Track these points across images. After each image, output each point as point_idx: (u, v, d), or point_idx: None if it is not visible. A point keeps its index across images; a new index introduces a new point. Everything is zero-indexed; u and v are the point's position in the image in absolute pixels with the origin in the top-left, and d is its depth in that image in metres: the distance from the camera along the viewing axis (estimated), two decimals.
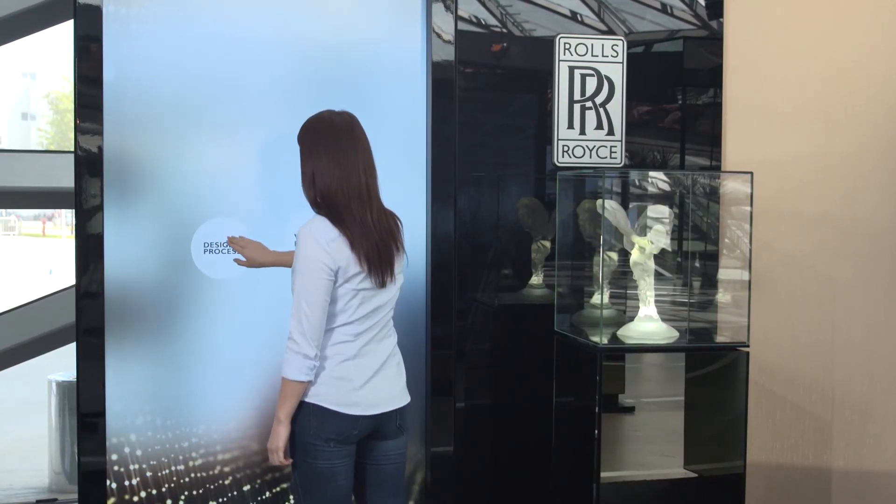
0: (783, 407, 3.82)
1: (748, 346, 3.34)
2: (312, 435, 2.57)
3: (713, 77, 3.86)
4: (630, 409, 4.12)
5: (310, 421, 2.57)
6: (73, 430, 5.58)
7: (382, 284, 2.59)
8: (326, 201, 2.56)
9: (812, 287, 3.75)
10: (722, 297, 3.57)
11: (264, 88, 3.18)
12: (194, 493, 3.18)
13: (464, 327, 3.65)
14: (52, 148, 43.43)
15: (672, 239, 3.43)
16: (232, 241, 2.98)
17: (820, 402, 3.76)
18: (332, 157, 2.56)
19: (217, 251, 3.15)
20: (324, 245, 2.50)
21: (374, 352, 2.63)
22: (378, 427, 2.65)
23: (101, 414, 3.09)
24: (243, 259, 2.97)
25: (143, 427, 3.13)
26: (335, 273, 2.52)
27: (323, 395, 2.57)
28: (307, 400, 2.58)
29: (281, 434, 2.57)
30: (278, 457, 2.59)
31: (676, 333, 3.35)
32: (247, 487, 3.22)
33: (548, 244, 3.73)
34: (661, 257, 3.39)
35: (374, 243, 2.55)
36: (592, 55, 3.67)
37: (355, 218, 2.53)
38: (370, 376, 2.61)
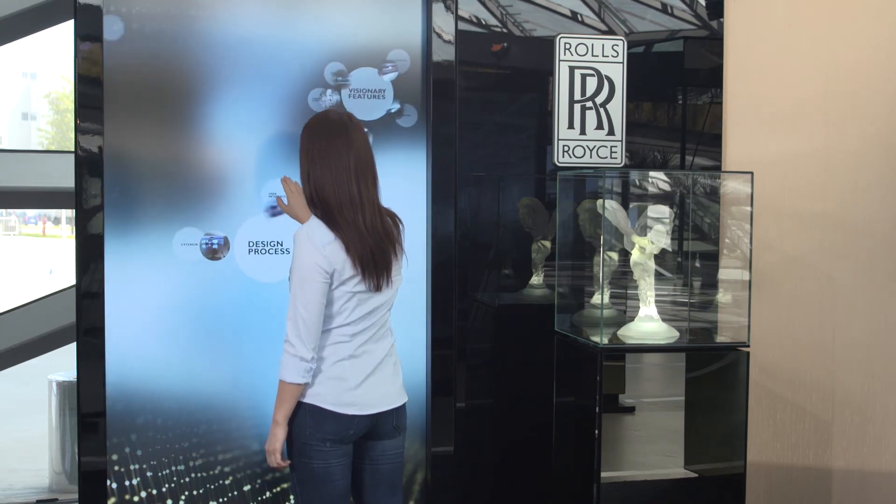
0: (783, 407, 3.82)
1: (748, 346, 3.34)
2: (309, 435, 2.57)
3: (713, 77, 3.87)
4: (630, 409, 4.12)
5: (306, 421, 2.58)
6: (73, 430, 5.59)
7: (377, 288, 2.59)
8: (320, 203, 2.57)
9: (812, 287, 3.75)
10: (722, 297, 3.57)
11: (265, 87, 3.18)
12: (194, 493, 3.18)
13: (464, 327, 3.65)
14: (53, 148, 43.46)
15: (672, 239, 3.43)
16: (286, 181, 2.92)
17: (820, 402, 3.76)
18: (324, 161, 2.56)
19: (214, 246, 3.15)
20: (319, 248, 2.51)
21: (371, 352, 2.63)
22: (374, 427, 2.65)
23: (102, 414, 3.09)
24: (285, 202, 2.93)
25: (143, 427, 3.13)
26: (330, 276, 2.52)
27: (319, 396, 2.57)
28: (303, 400, 2.58)
29: (278, 436, 2.58)
30: (276, 458, 2.60)
31: (677, 333, 3.35)
32: (247, 487, 3.22)
33: (548, 244, 3.74)
34: (661, 257, 3.39)
35: (369, 248, 2.55)
36: (593, 55, 3.67)
37: (348, 222, 2.54)
38: (366, 376, 2.61)
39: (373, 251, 2.55)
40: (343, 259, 2.52)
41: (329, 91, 3.17)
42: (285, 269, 2.73)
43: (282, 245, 3.17)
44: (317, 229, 2.55)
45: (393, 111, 3.07)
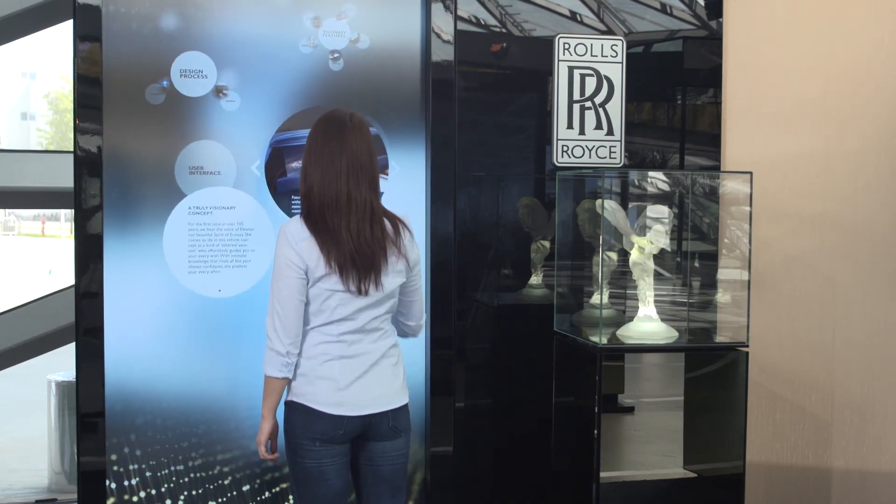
0: (783, 407, 3.82)
1: (748, 346, 3.34)
2: (299, 434, 2.58)
3: (713, 77, 3.87)
4: (630, 409, 4.12)
5: (296, 420, 2.59)
6: (72, 430, 5.58)
7: (361, 291, 2.57)
8: (307, 201, 2.58)
9: (812, 287, 3.75)
10: (721, 296, 3.57)
11: (265, 88, 3.18)
12: (194, 493, 3.18)
13: (464, 327, 3.65)
14: (52, 148, 43.45)
15: (672, 239, 3.43)
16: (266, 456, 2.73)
17: (820, 403, 3.76)
18: (317, 161, 2.57)
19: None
20: (293, 244, 2.53)
21: (366, 353, 2.62)
22: (369, 428, 2.64)
23: (101, 414, 3.09)
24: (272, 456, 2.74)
25: (142, 427, 3.13)
26: (305, 272, 2.53)
27: (309, 395, 2.58)
28: (294, 399, 2.60)
29: (264, 428, 2.63)
30: (262, 451, 2.65)
31: (676, 333, 3.35)
32: (246, 487, 3.22)
33: (547, 244, 3.74)
34: (660, 257, 3.39)
35: (347, 251, 2.53)
36: (592, 55, 3.67)
37: (328, 226, 2.54)
38: (357, 377, 2.61)
39: (352, 255, 2.53)
40: (316, 256, 2.52)
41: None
42: None
43: None
44: (293, 226, 2.57)
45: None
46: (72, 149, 3.11)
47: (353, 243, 2.54)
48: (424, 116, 3.31)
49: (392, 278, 2.63)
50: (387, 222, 2.63)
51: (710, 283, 3.65)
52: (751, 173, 3.35)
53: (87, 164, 3.05)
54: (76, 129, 3.05)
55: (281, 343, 2.54)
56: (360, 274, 2.55)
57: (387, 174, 3.27)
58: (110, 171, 3.07)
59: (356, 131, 2.60)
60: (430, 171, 3.32)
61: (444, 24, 3.31)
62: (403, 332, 2.83)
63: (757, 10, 3.83)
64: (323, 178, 2.55)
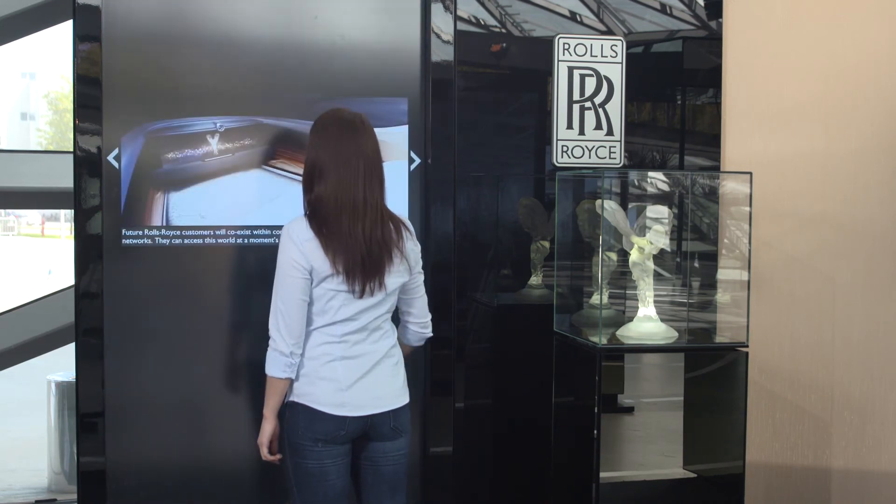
0: (783, 407, 3.82)
1: (747, 347, 3.34)
2: (300, 435, 2.58)
3: (712, 77, 3.87)
4: (629, 409, 4.12)
5: (298, 421, 2.59)
6: (72, 430, 5.59)
7: (365, 292, 2.58)
8: (319, 206, 2.56)
9: (812, 287, 3.75)
10: (721, 297, 3.57)
11: (265, 87, 3.17)
12: (193, 492, 3.18)
13: (463, 327, 3.65)
14: (52, 148, 43.42)
15: (671, 239, 3.43)
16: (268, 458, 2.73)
17: (819, 403, 3.76)
18: (333, 164, 2.55)
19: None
20: (298, 244, 2.53)
21: (367, 353, 2.63)
22: (370, 428, 2.65)
23: (101, 414, 3.09)
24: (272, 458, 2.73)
25: (142, 427, 3.13)
26: (309, 273, 2.53)
27: (310, 396, 2.58)
28: (295, 400, 2.60)
29: (265, 429, 2.63)
30: (263, 452, 2.65)
31: (676, 333, 3.35)
32: (246, 487, 3.22)
33: (547, 244, 3.73)
34: (660, 257, 3.39)
35: (357, 255, 2.53)
36: (591, 55, 3.67)
37: (342, 229, 2.53)
38: (359, 377, 2.61)
39: (362, 257, 2.54)
40: (321, 257, 2.53)
41: None
42: None
43: None
44: (297, 226, 2.56)
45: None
46: (71, 149, 3.10)
47: (366, 245, 2.54)
48: (424, 116, 3.31)
49: (394, 278, 2.64)
50: (390, 224, 2.64)
51: (710, 284, 3.65)
52: (750, 173, 3.35)
53: (86, 164, 3.04)
54: (76, 130, 3.05)
55: (285, 343, 2.54)
56: (365, 275, 2.55)
57: None
58: (109, 171, 3.07)
59: (367, 133, 2.60)
60: (430, 172, 3.32)
61: (443, 24, 3.31)
62: (419, 336, 2.84)
63: (757, 10, 3.83)
64: (341, 181, 2.54)
